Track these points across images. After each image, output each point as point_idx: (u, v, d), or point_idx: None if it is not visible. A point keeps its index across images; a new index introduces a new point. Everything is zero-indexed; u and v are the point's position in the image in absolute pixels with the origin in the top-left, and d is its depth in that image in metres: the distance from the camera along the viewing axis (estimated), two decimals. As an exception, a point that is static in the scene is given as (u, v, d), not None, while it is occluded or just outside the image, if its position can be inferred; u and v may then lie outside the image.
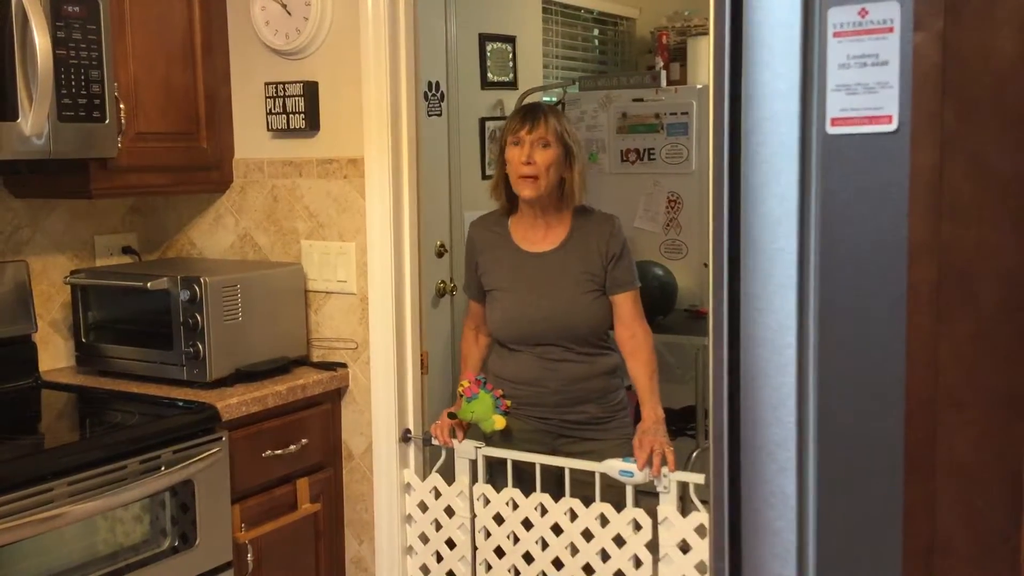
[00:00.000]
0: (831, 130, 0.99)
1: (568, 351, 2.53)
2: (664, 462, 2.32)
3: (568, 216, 2.58)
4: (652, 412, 2.45)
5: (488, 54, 3.91)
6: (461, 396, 2.58)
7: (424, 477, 2.70)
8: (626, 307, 2.53)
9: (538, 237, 2.58)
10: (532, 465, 2.50)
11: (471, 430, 2.61)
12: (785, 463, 1.03)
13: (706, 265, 1.10)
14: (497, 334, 2.62)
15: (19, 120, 2.21)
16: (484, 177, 3.73)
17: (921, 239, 0.93)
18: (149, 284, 2.53)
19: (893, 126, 0.96)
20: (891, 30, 0.95)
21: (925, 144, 0.93)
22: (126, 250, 2.98)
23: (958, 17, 0.91)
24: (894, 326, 0.96)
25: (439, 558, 2.66)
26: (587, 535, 2.43)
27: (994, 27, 0.90)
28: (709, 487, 1.11)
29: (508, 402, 2.56)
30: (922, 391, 0.94)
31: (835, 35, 0.98)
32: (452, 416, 2.59)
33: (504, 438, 2.59)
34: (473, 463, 2.57)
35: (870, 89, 0.96)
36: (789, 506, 1.03)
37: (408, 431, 2.75)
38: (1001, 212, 0.90)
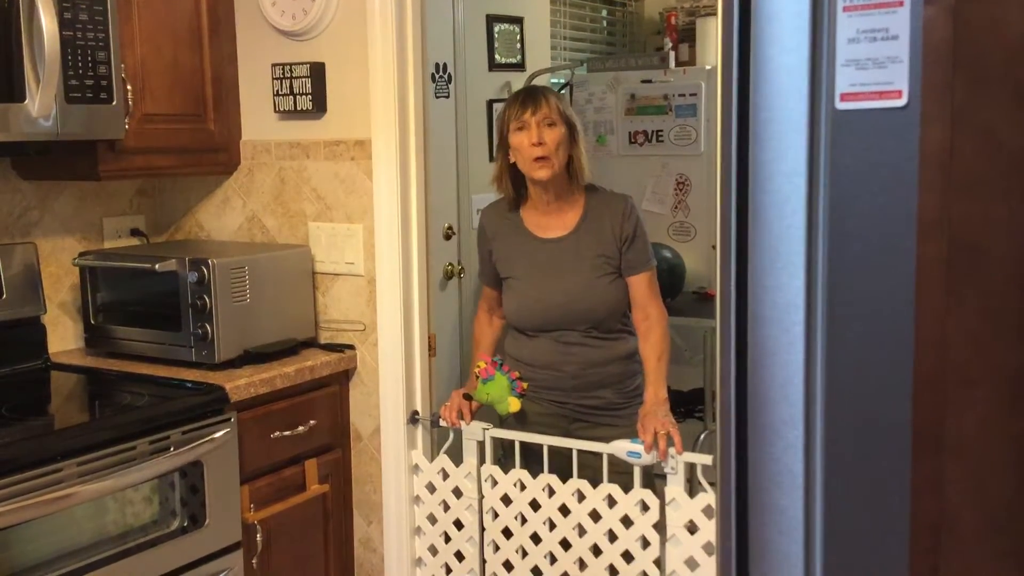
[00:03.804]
0: (840, 105, 0.98)
1: (585, 335, 2.52)
2: (671, 443, 2.32)
3: (580, 197, 2.56)
4: (653, 394, 2.45)
5: (496, 35, 3.88)
6: (477, 377, 2.58)
7: (432, 458, 2.70)
8: (641, 288, 2.52)
9: (551, 222, 2.57)
10: (543, 447, 2.50)
11: (487, 412, 2.61)
12: (792, 441, 1.03)
13: (714, 247, 1.09)
14: (514, 322, 2.62)
15: (26, 102, 2.22)
16: (492, 159, 3.72)
17: (930, 215, 0.93)
18: (157, 266, 2.54)
19: (903, 101, 0.95)
20: (901, 4, 0.94)
21: (935, 119, 0.92)
22: (134, 232, 2.99)
23: (969, -10, 0.90)
24: (902, 303, 0.95)
25: (447, 538, 2.66)
26: (595, 516, 2.44)
27: (1005, 0, 0.89)
28: (716, 467, 1.11)
29: (524, 384, 2.55)
30: (930, 368, 0.94)
31: (845, 9, 0.97)
32: (467, 397, 2.59)
33: (519, 421, 2.59)
34: (481, 444, 2.58)
35: (880, 64, 0.95)
36: (796, 484, 1.03)
37: (416, 412, 2.75)
38: (1011, 187, 0.90)
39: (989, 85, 0.90)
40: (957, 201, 0.92)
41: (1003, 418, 0.92)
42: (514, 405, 2.52)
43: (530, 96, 2.51)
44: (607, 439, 2.44)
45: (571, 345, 2.52)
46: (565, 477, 2.46)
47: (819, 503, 1.02)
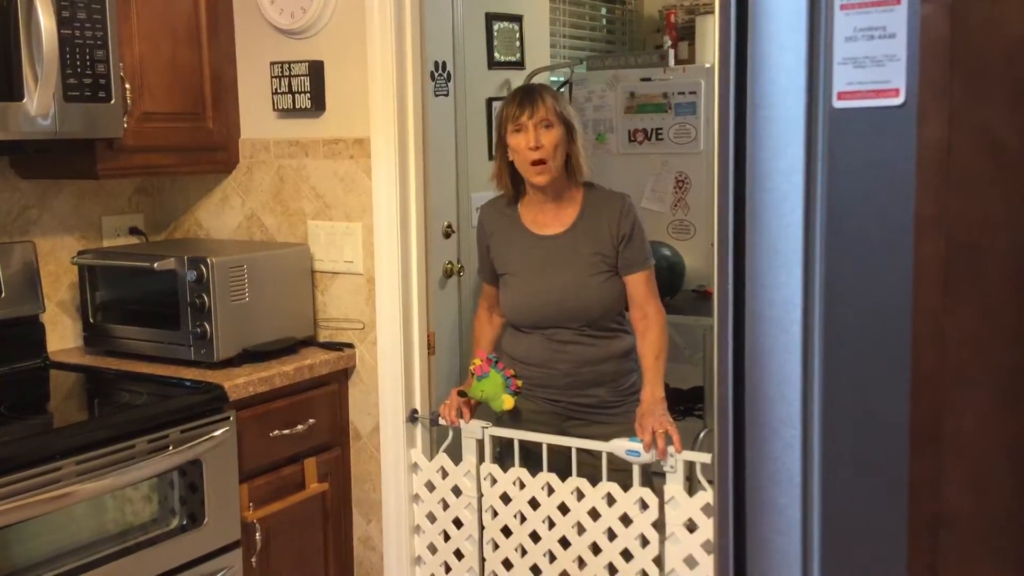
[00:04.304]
0: (838, 104, 0.98)
1: (580, 333, 2.52)
2: (669, 441, 2.32)
3: (578, 195, 2.56)
4: (650, 394, 2.45)
5: (495, 34, 3.88)
6: (472, 374, 2.58)
7: (431, 457, 2.70)
8: (638, 287, 2.52)
9: (548, 219, 2.57)
10: (540, 446, 2.50)
11: (482, 409, 2.61)
12: (790, 440, 1.02)
13: (714, 245, 1.09)
14: (510, 318, 2.62)
15: (25, 100, 2.21)
16: (491, 158, 3.72)
17: (928, 214, 0.92)
18: (156, 265, 2.53)
19: (900, 99, 0.94)
20: (899, 2, 0.93)
21: (933, 117, 0.92)
22: (133, 231, 2.99)
23: (967, -12, 0.90)
24: (901, 302, 0.95)
25: (446, 537, 2.66)
26: (594, 515, 2.44)
27: (1004, -2, 0.89)
28: (715, 465, 1.10)
29: (519, 382, 2.55)
30: (928, 367, 0.93)
31: (842, 7, 0.97)
32: (462, 394, 2.59)
33: (513, 418, 2.59)
34: (480, 443, 2.58)
35: (877, 62, 0.95)
36: (794, 483, 1.03)
37: (415, 411, 2.75)
38: (1010, 186, 0.89)
39: (987, 83, 0.90)
40: (955, 200, 0.91)
41: (1001, 417, 0.92)
42: (508, 403, 2.52)
43: (527, 97, 2.50)
44: (601, 437, 2.44)
45: (565, 343, 2.52)
46: (562, 475, 2.46)
47: (817, 502, 1.02)
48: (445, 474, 2.65)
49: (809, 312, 1.01)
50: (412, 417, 2.74)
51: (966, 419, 0.93)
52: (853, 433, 1.00)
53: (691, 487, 2.39)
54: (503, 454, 2.63)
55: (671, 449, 2.32)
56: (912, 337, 0.95)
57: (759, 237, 1.03)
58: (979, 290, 0.92)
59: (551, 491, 2.48)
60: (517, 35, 4.00)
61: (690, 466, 2.36)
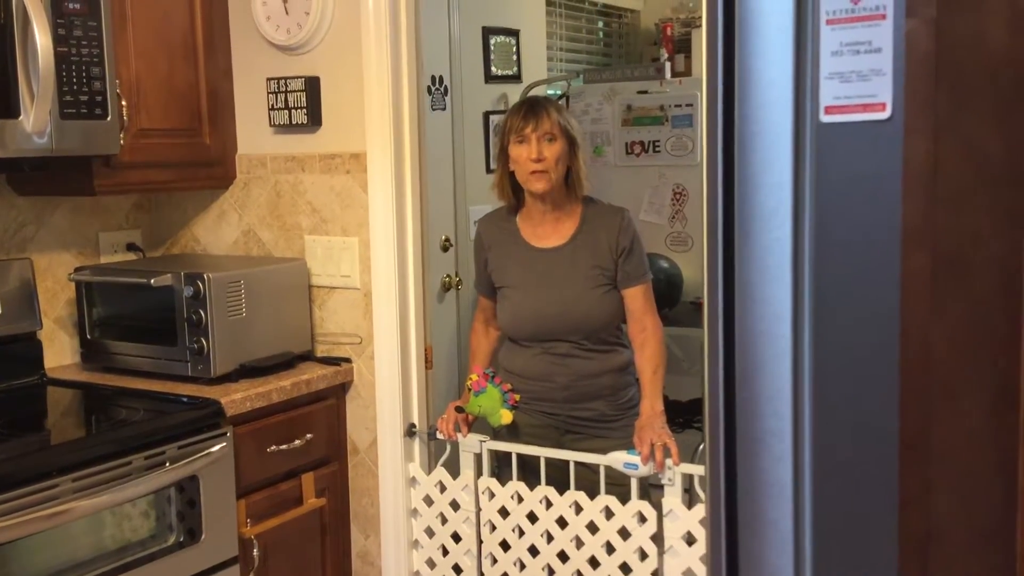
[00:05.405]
0: (825, 118, 0.98)
1: (578, 347, 2.52)
2: (668, 454, 2.32)
3: (577, 209, 2.57)
4: (649, 407, 2.45)
5: (492, 47, 3.90)
6: (469, 390, 2.58)
7: (429, 471, 2.70)
8: (637, 301, 2.53)
9: (547, 232, 2.57)
10: (538, 459, 2.49)
11: (479, 424, 2.61)
12: (781, 453, 1.03)
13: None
14: (508, 331, 2.62)
15: (21, 118, 2.22)
16: (488, 171, 3.73)
17: (915, 227, 0.93)
18: (153, 281, 2.54)
19: (887, 114, 0.95)
20: (884, 17, 0.94)
21: (919, 131, 0.92)
22: (130, 247, 2.99)
23: (951, 3, 0.90)
24: (888, 315, 0.95)
25: (445, 551, 2.66)
26: (592, 528, 2.43)
27: (987, 13, 0.89)
28: (707, 479, 1.10)
29: (517, 396, 2.55)
30: (916, 380, 0.94)
31: (828, 22, 0.97)
32: (459, 410, 2.59)
33: (511, 433, 2.59)
34: (478, 457, 2.57)
35: (863, 76, 0.96)
36: (785, 496, 1.03)
37: (413, 425, 2.75)
38: (995, 199, 0.90)
39: (971, 97, 0.90)
40: (941, 212, 0.92)
41: (990, 428, 0.92)
42: (506, 417, 2.52)
43: (532, 110, 2.50)
44: (599, 451, 2.44)
45: (563, 356, 2.52)
46: (559, 489, 2.46)
47: (808, 515, 1.02)
48: (443, 488, 2.64)
49: (799, 325, 1.02)
50: (410, 431, 2.74)
51: (955, 430, 0.94)
52: (843, 445, 1.00)
53: (690, 500, 2.39)
54: (501, 468, 2.62)
55: (669, 462, 2.32)
56: (900, 349, 0.95)
57: (748, 251, 1.04)
58: (966, 302, 0.92)
59: (549, 505, 2.48)
60: (514, 49, 4.02)
61: (689, 479, 2.35)
